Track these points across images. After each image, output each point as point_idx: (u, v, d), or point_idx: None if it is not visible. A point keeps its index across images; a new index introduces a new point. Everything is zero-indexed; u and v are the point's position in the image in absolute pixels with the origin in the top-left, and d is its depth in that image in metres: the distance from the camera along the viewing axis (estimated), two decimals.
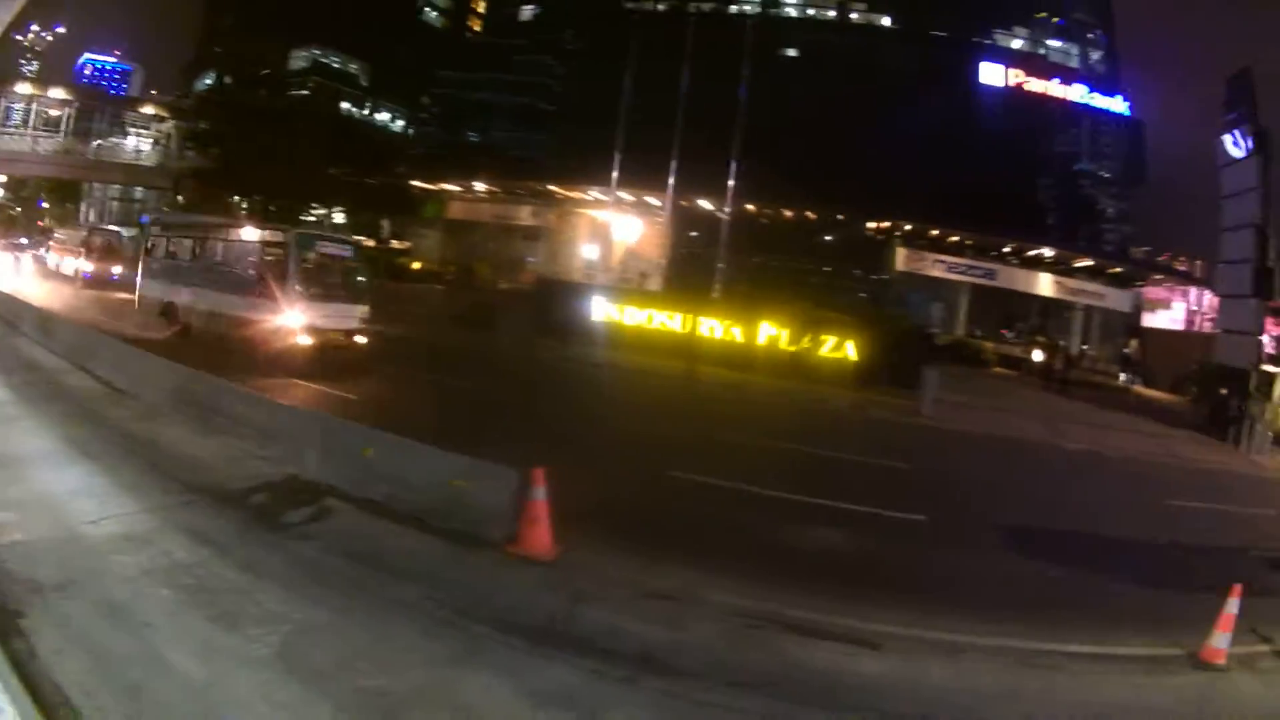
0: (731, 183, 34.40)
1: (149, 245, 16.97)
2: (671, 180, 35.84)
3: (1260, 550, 10.40)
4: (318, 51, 59.66)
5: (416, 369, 15.95)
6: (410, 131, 58.01)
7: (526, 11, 54.49)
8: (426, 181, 45.85)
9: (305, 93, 58.15)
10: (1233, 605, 6.21)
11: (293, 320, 12.94)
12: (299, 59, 59.30)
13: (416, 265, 43.72)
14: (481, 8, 59.71)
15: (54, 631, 4.03)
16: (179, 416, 8.40)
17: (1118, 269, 42.97)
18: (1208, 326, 44.49)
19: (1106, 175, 47.57)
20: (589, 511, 6.94)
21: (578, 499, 6.64)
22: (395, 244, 48.06)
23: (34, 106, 51.11)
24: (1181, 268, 47.83)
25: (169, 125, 70.08)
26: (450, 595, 5.17)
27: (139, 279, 16.79)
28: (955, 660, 5.53)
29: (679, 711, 4.32)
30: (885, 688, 4.99)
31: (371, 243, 50.79)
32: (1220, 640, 6.22)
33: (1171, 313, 48.60)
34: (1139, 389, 36.21)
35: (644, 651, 4.89)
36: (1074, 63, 48.30)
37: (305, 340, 13.01)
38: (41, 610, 4.22)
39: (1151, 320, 46.40)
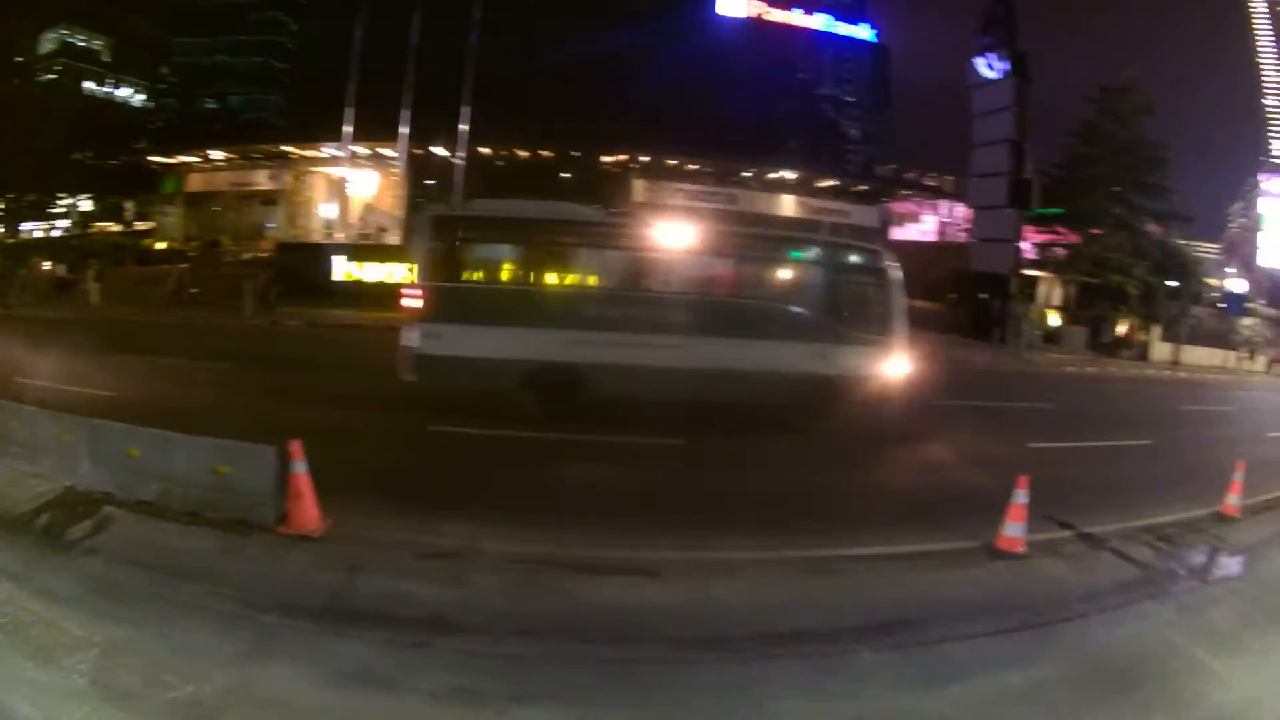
0: (464, 127, 34.01)
1: (438, 265, 10.18)
2: (404, 129, 35.19)
3: (1041, 442, 10.91)
4: (64, 30, 55.04)
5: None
6: (150, 104, 54.28)
7: None
8: (165, 155, 43.14)
9: (53, 76, 53.99)
10: (1021, 495, 6.32)
11: (898, 367, 10.64)
12: (48, 40, 54.62)
13: (161, 245, 40.85)
14: None
15: None
16: None
17: (863, 187, 45.16)
18: (961, 237, 47.68)
19: (851, 99, 49.78)
20: (355, 479, 6.96)
21: (342, 468, 6.73)
22: (139, 225, 45.03)
23: None
24: (931, 183, 50.97)
25: None
26: (233, 588, 5.18)
27: (419, 326, 9.84)
28: (737, 577, 5.62)
29: (478, 669, 4.35)
30: (673, 612, 5.08)
31: (116, 227, 47.59)
32: (1014, 530, 6.32)
33: (921, 225, 51.86)
34: None
35: (432, 614, 4.91)
36: None
37: (898, 391, 10.78)
38: None
39: (901, 234, 49.29)
